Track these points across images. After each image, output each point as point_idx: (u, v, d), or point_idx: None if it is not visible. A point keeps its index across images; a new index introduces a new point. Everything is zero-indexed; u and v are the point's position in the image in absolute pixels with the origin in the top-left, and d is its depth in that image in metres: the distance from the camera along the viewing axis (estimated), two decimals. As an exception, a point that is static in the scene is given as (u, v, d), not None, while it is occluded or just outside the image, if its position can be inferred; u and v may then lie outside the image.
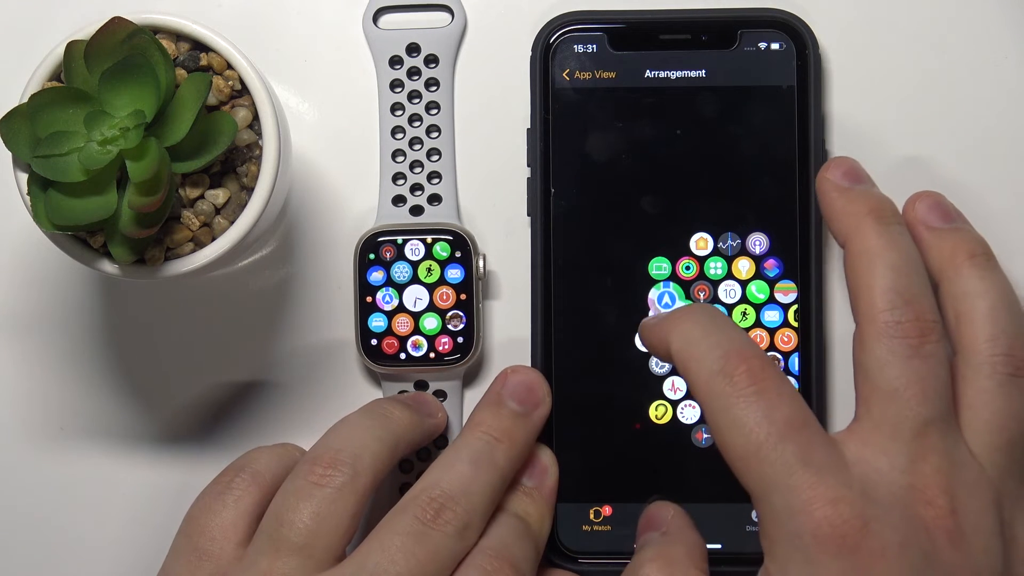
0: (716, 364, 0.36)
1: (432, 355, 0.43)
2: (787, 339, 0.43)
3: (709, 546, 0.40)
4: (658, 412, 0.44)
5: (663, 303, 0.43)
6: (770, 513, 0.35)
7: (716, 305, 0.43)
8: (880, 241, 0.38)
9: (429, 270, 0.43)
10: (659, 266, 0.44)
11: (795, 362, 0.43)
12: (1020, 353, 0.37)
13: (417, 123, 0.45)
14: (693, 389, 0.37)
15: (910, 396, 0.36)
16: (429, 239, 0.43)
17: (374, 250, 0.43)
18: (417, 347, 0.43)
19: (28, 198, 0.38)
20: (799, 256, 0.43)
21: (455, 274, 0.43)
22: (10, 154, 0.38)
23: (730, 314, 0.43)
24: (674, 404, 0.44)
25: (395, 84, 0.45)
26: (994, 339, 0.37)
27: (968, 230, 0.40)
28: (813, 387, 0.43)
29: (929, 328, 0.36)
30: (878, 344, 0.36)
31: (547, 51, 0.44)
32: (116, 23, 0.37)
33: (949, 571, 0.34)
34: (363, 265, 0.43)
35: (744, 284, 0.44)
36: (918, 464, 0.35)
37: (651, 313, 0.43)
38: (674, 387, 0.44)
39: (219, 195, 0.39)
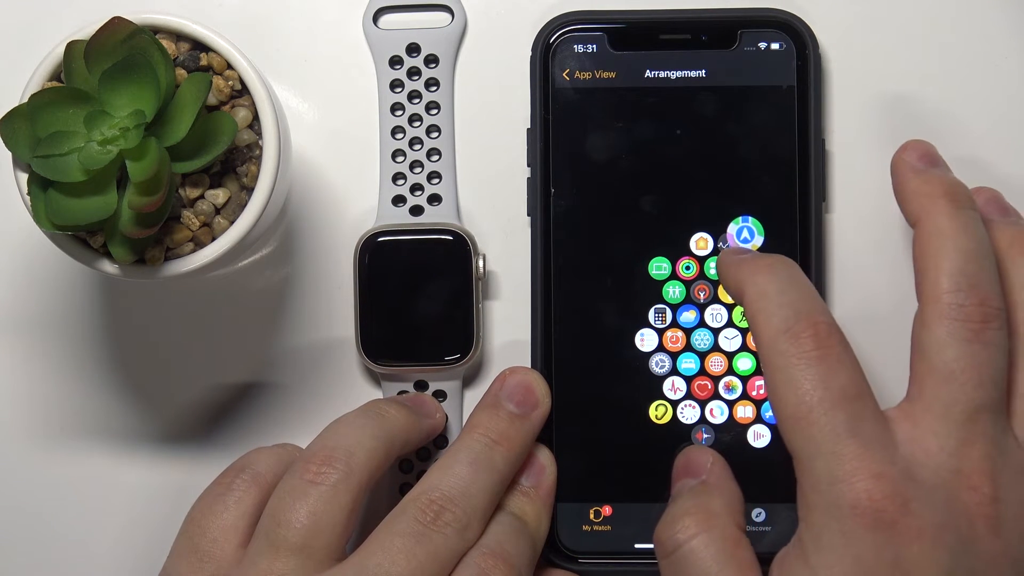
0: (784, 323, 0.36)
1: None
2: (787, 339, 0.43)
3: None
4: (658, 412, 0.44)
5: (742, 237, 0.43)
6: (811, 478, 0.35)
7: (716, 305, 0.44)
8: (952, 224, 0.37)
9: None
10: (659, 266, 0.44)
11: (795, 362, 0.43)
12: None
13: (417, 123, 0.45)
14: (757, 342, 0.37)
15: (966, 380, 0.35)
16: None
17: (378, 250, 0.43)
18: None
19: (28, 198, 0.38)
20: (799, 256, 0.43)
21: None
22: (10, 154, 0.38)
23: (729, 315, 0.44)
24: (674, 404, 0.44)
25: (395, 84, 0.45)
26: None
27: None
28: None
29: (992, 314, 0.36)
30: (939, 325, 0.36)
31: (547, 51, 0.44)
32: (116, 23, 0.37)
33: (986, 558, 0.34)
34: (363, 265, 0.43)
35: (744, 284, 0.44)
36: (966, 448, 0.35)
37: (729, 245, 0.43)
38: (674, 387, 0.44)
39: (219, 195, 0.39)
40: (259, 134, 0.39)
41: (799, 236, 0.43)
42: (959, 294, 0.36)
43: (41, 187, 0.37)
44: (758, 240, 0.44)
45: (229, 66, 0.39)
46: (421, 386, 0.45)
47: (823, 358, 0.35)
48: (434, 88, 0.45)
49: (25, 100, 0.37)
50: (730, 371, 0.44)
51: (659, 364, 0.44)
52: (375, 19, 0.45)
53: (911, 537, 0.34)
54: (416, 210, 0.45)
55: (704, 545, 0.37)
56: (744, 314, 0.37)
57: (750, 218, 0.43)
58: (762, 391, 0.43)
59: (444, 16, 0.45)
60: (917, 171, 0.39)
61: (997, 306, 0.36)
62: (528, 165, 0.44)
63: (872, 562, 0.34)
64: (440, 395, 0.45)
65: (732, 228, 0.43)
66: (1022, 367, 0.37)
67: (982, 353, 0.36)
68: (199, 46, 0.39)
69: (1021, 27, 0.45)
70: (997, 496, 0.35)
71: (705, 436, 0.43)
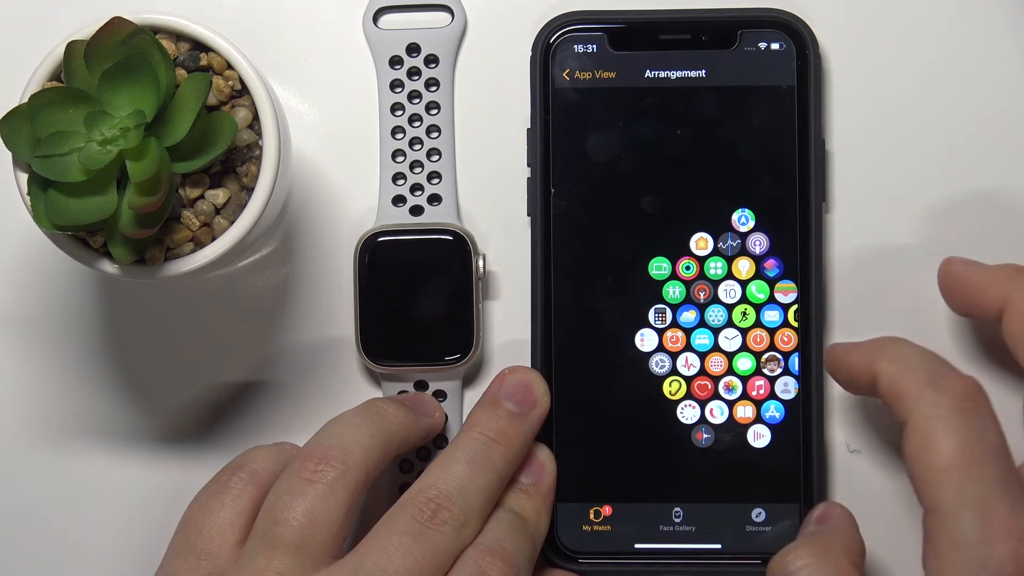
0: (928, 376, 0.36)
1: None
2: (787, 339, 0.43)
3: (708, 546, 0.40)
4: (658, 412, 0.44)
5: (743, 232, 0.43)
6: (953, 533, 0.34)
7: (716, 305, 0.43)
8: None
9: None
10: (659, 266, 0.44)
11: (795, 362, 0.43)
12: None
13: (417, 123, 0.45)
14: (900, 401, 0.36)
15: None
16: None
17: (378, 250, 0.43)
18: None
19: (28, 198, 0.38)
20: (799, 256, 0.43)
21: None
22: (10, 154, 0.38)
23: (730, 314, 0.43)
24: (674, 404, 0.44)
25: (395, 84, 0.45)
26: None
27: None
28: (813, 387, 0.43)
29: None
30: None
31: (547, 51, 0.44)
32: (116, 23, 0.37)
33: None
34: (363, 265, 0.43)
35: (744, 284, 0.44)
36: None
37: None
38: (674, 387, 0.44)
39: (219, 195, 0.39)
40: (259, 134, 0.39)
41: (799, 236, 0.43)
42: None
43: (41, 187, 0.37)
44: (760, 238, 0.44)
45: (229, 66, 0.39)
46: (421, 386, 0.45)
47: (975, 413, 0.35)
48: (434, 88, 0.45)
49: (25, 100, 0.37)
50: (730, 371, 0.44)
51: (659, 364, 0.44)
52: (375, 19, 0.45)
53: None
54: (416, 210, 0.45)
55: (815, 573, 0.36)
56: (879, 389, 0.37)
57: (750, 218, 0.43)
58: (762, 391, 0.43)
59: (444, 16, 0.45)
60: (975, 265, 0.40)
61: None
62: (528, 165, 0.44)
63: None
64: (440, 395, 0.45)
65: (732, 222, 0.43)
66: None
67: None
68: (199, 46, 0.39)
69: (1021, 27, 0.45)
70: None
71: (705, 436, 0.43)
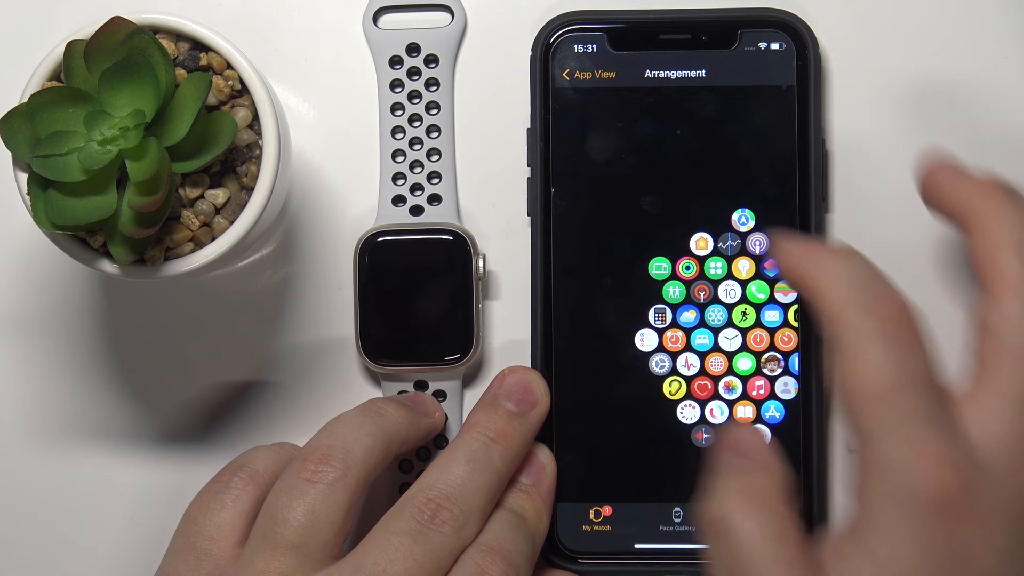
0: (859, 298, 0.35)
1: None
2: (787, 339, 0.43)
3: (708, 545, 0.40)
4: (658, 412, 0.44)
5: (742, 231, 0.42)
6: (878, 461, 0.34)
7: (716, 305, 0.43)
8: (1017, 209, 0.36)
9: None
10: (659, 266, 0.44)
11: (795, 362, 0.43)
12: None
13: (417, 123, 0.45)
14: (827, 320, 0.35)
15: None
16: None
17: (378, 250, 0.43)
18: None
19: (28, 198, 0.38)
20: (799, 256, 0.43)
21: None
22: (10, 154, 0.38)
23: (730, 314, 0.43)
24: (674, 404, 0.44)
25: (395, 84, 0.45)
26: None
27: None
28: (813, 387, 0.43)
29: None
30: (1013, 306, 0.35)
31: (547, 51, 0.44)
32: (116, 23, 0.37)
33: None
34: (363, 265, 0.43)
35: (744, 284, 0.44)
36: None
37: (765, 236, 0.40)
38: (674, 387, 0.44)
39: (219, 195, 0.39)
40: (259, 134, 0.39)
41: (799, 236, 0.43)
42: None
43: (41, 187, 0.37)
44: (760, 239, 0.44)
45: (229, 66, 0.39)
46: (421, 386, 0.45)
47: (899, 338, 0.34)
48: (434, 88, 0.45)
49: (25, 100, 0.37)
50: (730, 371, 0.44)
51: (659, 364, 0.44)
52: (375, 19, 0.45)
53: (979, 525, 0.33)
54: (416, 210, 0.45)
55: (753, 524, 0.35)
56: (808, 300, 0.36)
57: (750, 218, 0.43)
58: (762, 391, 0.43)
59: (444, 16, 0.45)
60: (958, 172, 0.38)
61: None
62: (528, 165, 0.44)
63: (935, 548, 0.33)
64: (440, 395, 0.45)
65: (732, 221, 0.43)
66: None
67: None
68: (199, 46, 0.39)
69: (1021, 27, 0.45)
70: None
71: (705, 436, 0.43)
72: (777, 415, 0.43)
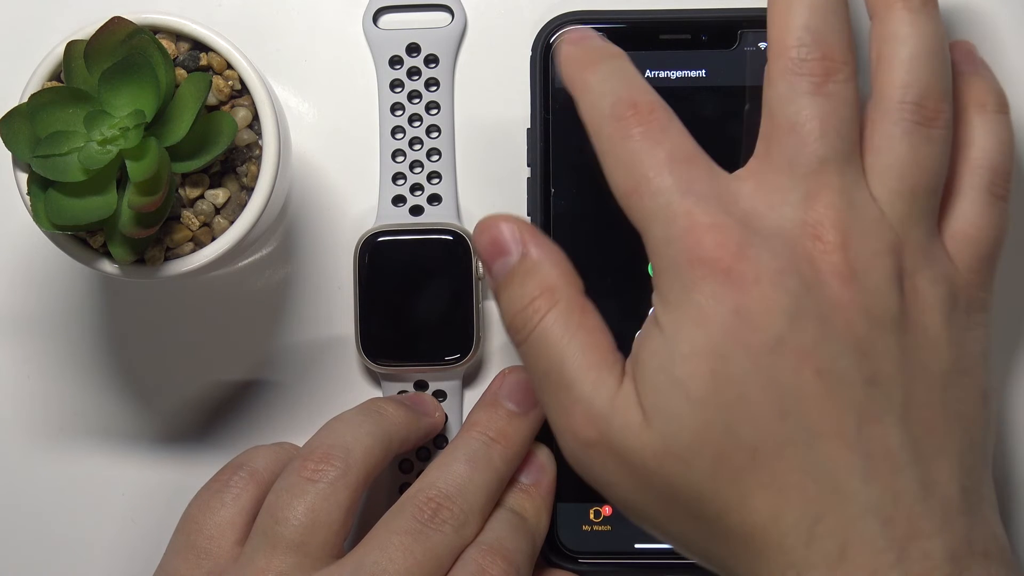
0: (607, 108, 0.36)
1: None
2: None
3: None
4: (658, 412, 0.44)
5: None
6: (652, 245, 0.35)
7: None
8: None
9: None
10: (659, 266, 0.44)
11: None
12: (931, 104, 0.36)
13: (417, 123, 0.45)
14: (589, 135, 0.36)
15: (808, 132, 0.35)
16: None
17: (378, 250, 0.43)
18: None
19: (28, 198, 0.38)
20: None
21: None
22: (10, 154, 0.38)
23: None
24: (674, 404, 0.43)
25: (395, 84, 0.45)
26: (907, 86, 0.36)
27: None
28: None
29: (836, 68, 0.35)
30: (782, 80, 0.36)
31: (547, 51, 0.44)
32: (116, 23, 0.37)
33: (834, 304, 0.34)
34: (363, 265, 0.43)
35: (744, 284, 0.44)
36: (811, 201, 0.35)
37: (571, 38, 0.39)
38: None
39: (219, 195, 0.39)
40: (259, 134, 0.39)
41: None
42: (802, 49, 0.35)
43: (41, 187, 0.37)
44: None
45: (229, 66, 0.39)
46: (421, 386, 0.45)
47: (648, 131, 0.35)
48: (434, 88, 0.45)
49: (25, 100, 0.37)
50: (730, 371, 0.43)
51: (659, 364, 0.44)
52: (375, 19, 0.45)
53: (748, 282, 0.33)
54: (416, 210, 0.45)
55: (554, 322, 0.36)
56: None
57: None
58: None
59: (444, 16, 0.45)
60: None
61: (842, 59, 0.36)
62: (528, 165, 0.44)
63: (713, 310, 0.33)
64: (440, 395, 0.45)
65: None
66: (875, 121, 0.36)
67: (825, 104, 0.35)
68: (199, 46, 0.39)
69: (1021, 27, 0.45)
70: (845, 245, 0.34)
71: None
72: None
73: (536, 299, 0.36)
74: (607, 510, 0.44)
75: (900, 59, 0.36)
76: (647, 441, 0.34)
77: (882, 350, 0.34)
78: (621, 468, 0.35)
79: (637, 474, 0.34)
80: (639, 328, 0.43)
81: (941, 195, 0.37)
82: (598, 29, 0.44)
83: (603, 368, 0.35)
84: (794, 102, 0.35)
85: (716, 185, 0.35)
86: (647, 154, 0.35)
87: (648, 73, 0.44)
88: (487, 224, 0.38)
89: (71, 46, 0.37)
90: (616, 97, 0.36)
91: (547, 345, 0.36)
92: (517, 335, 0.37)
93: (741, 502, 0.33)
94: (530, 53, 0.44)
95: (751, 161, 0.36)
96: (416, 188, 0.45)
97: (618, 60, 0.37)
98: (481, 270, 0.43)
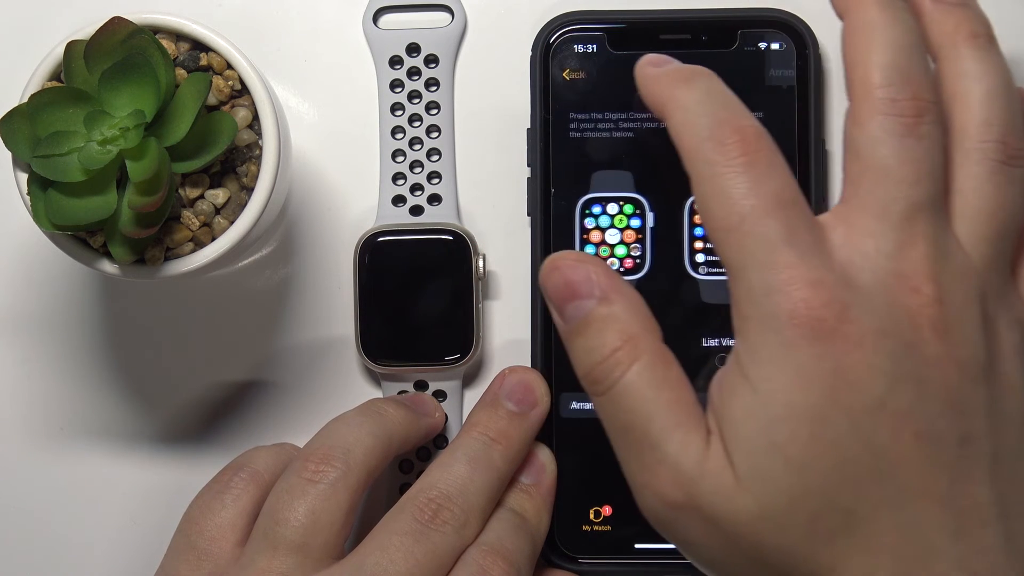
0: (707, 130, 0.34)
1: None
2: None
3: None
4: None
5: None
6: (746, 291, 0.33)
7: (716, 305, 0.43)
8: (882, 15, 0.35)
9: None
10: (659, 266, 0.44)
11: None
12: (1013, 141, 0.35)
13: (417, 123, 0.45)
14: (682, 156, 0.35)
15: (902, 177, 0.34)
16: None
17: (378, 250, 0.43)
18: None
19: (28, 198, 0.38)
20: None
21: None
22: (10, 154, 0.38)
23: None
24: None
25: (395, 84, 0.45)
26: (988, 124, 0.35)
27: (972, 8, 0.37)
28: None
29: (926, 108, 0.34)
30: (872, 121, 0.34)
31: (547, 51, 0.44)
32: (116, 23, 0.37)
33: (930, 361, 0.33)
34: (363, 265, 0.43)
35: (744, 284, 0.43)
36: (906, 250, 0.33)
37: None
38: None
39: (219, 195, 0.39)
40: (259, 134, 0.39)
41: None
42: (892, 88, 0.34)
43: (41, 187, 0.37)
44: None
45: (229, 66, 0.39)
46: (421, 386, 0.45)
47: (752, 163, 0.33)
48: (434, 88, 0.45)
49: (25, 100, 0.37)
50: (730, 371, 0.43)
51: (659, 364, 0.44)
52: (375, 19, 0.45)
53: (851, 344, 0.32)
54: (416, 210, 0.45)
55: (638, 376, 0.34)
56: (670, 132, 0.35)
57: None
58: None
59: (444, 16, 0.45)
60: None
61: (931, 99, 0.34)
62: (528, 165, 0.44)
63: (813, 371, 0.32)
64: (440, 395, 0.45)
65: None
66: (958, 162, 0.35)
67: (918, 148, 0.34)
68: (199, 46, 0.39)
69: (1022, 27, 0.45)
70: (940, 297, 0.33)
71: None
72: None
73: (618, 350, 0.35)
74: (607, 510, 0.44)
75: (976, 97, 0.35)
76: (741, 505, 0.33)
77: (974, 405, 0.33)
78: (708, 530, 0.34)
79: (726, 536, 0.34)
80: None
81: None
82: (598, 29, 0.44)
83: (689, 426, 0.34)
84: (886, 144, 0.34)
85: (815, 234, 0.34)
86: (752, 191, 0.33)
87: (648, 73, 0.44)
88: (559, 264, 0.36)
89: (71, 46, 0.37)
90: (716, 119, 0.34)
91: (630, 401, 0.34)
92: (595, 387, 0.35)
93: (834, 563, 0.33)
94: (530, 53, 0.44)
95: (840, 206, 0.35)
96: (416, 188, 0.45)
97: (713, 79, 0.36)
98: (481, 270, 0.43)
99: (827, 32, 0.44)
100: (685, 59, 0.43)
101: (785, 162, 0.34)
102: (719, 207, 0.34)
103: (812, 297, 0.33)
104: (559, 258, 0.36)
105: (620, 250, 0.43)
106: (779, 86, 0.44)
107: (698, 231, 0.43)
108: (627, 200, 0.43)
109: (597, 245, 0.43)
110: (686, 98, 0.35)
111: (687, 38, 0.44)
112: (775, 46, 0.44)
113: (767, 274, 0.33)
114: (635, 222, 0.43)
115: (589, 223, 0.44)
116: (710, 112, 0.35)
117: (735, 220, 0.33)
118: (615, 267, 0.43)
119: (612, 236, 0.43)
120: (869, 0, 0.35)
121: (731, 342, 0.42)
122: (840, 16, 0.36)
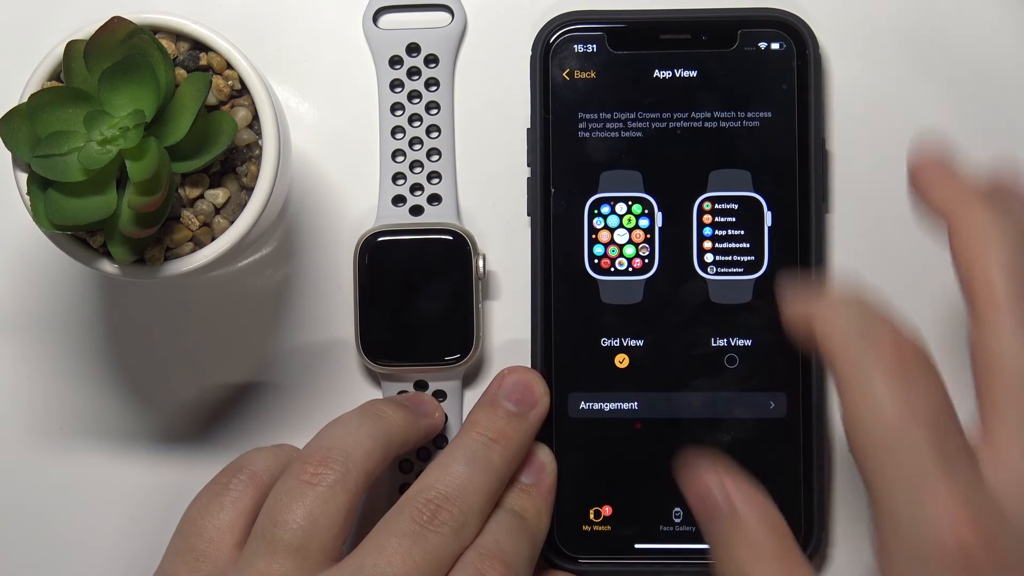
0: (859, 327, 0.32)
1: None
2: (787, 339, 0.43)
3: (708, 546, 0.40)
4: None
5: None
6: (891, 515, 0.31)
7: (716, 305, 0.44)
8: (992, 217, 0.33)
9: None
10: (659, 266, 0.44)
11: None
12: None
13: (417, 123, 0.45)
14: (829, 358, 0.33)
15: None
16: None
17: (378, 250, 0.43)
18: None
19: (28, 198, 0.38)
20: (799, 254, 0.43)
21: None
22: (10, 154, 0.38)
23: (730, 314, 0.43)
24: (674, 404, 0.44)
25: (395, 84, 0.45)
26: None
27: None
28: (813, 386, 0.43)
29: None
30: (1011, 331, 0.31)
31: (547, 51, 0.44)
32: (116, 23, 0.37)
33: None
34: (363, 265, 0.43)
35: (744, 284, 0.44)
36: None
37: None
38: (674, 387, 0.44)
39: (219, 195, 0.39)
40: (259, 134, 0.39)
41: (799, 236, 0.43)
42: None
43: (41, 187, 0.37)
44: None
45: (229, 66, 0.39)
46: (421, 386, 0.45)
47: (907, 373, 0.31)
48: (434, 88, 0.45)
49: (25, 100, 0.37)
50: (730, 371, 0.44)
51: (659, 364, 0.44)
52: (375, 19, 0.45)
53: None
54: (416, 210, 0.45)
55: None
56: (820, 349, 0.33)
57: None
58: (762, 391, 0.43)
59: (444, 16, 0.45)
60: (942, 171, 0.35)
61: None
62: (528, 165, 0.44)
63: None
64: (440, 395, 0.45)
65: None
66: None
67: None
68: (199, 46, 0.39)
69: (1021, 27, 0.45)
70: None
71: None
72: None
73: (744, 570, 0.34)
74: (607, 510, 0.44)
75: None
76: None
77: None
78: None
79: None
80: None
81: None
82: (598, 29, 0.44)
83: None
84: None
85: (971, 461, 0.31)
86: (900, 400, 0.31)
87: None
88: (698, 476, 0.35)
89: (71, 46, 0.37)
90: (872, 321, 0.32)
91: None
92: None
93: None
94: (530, 53, 0.44)
95: (984, 425, 0.32)
96: (416, 188, 0.45)
97: (862, 296, 0.34)
98: (481, 270, 0.43)
99: (827, 32, 0.44)
100: (685, 59, 0.44)
101: (940, 376, 0.32)
102: (869, 417, 0.32)
103: (964, 534, 0.30)
104: (697, 465, 0.35)
105: (629, 250, 0.43)
106: (779, 86, 0.44)
107: (707, 231, 0.43)
108: (636, 200, 0.43)
109: (606, 245, 0.44)
110: (836, 309, 0.33)
111: (687, 38, 0.44)
112: (775, 46, 0.44)
113: (914, 502, 0.31)
114: (644, 222, 0.43)
115: (598, 223, 0.44)
116: (862, 317, 0.33)
117: (886, 435, 0.31)
118: (623, 267, 0.43)
119: (621, 236, 0.43)
120: (975, 202, 0.33)
121: (740, 342, 0.42)
122: (943, 219, 0.34)
